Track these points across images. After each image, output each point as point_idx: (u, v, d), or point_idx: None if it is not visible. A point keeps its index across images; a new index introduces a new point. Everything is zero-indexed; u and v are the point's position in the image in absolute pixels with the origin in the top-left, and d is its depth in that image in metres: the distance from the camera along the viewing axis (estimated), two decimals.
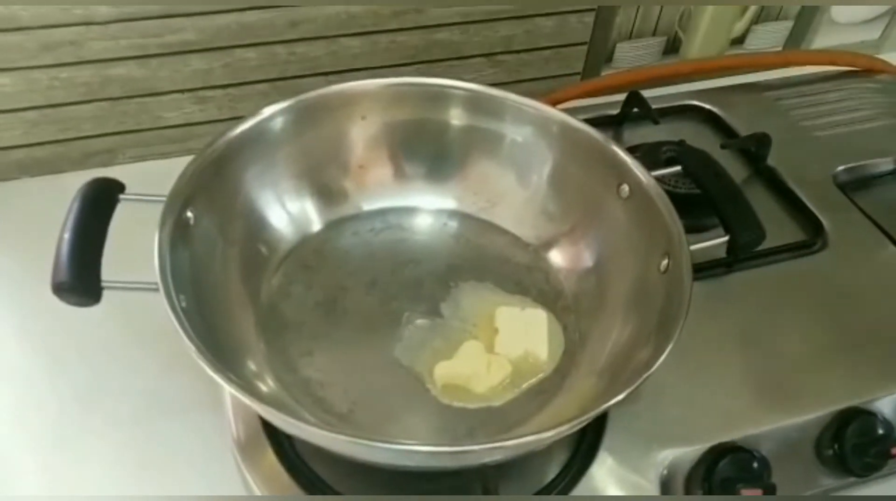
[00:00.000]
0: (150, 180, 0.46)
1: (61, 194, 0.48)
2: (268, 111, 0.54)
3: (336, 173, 0.60)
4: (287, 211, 0.58)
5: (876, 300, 0.60)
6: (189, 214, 0.48)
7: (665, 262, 0.49)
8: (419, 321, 0.54)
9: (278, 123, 0.55)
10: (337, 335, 0.54)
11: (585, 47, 0.81)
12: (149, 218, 0.45)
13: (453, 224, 0.61)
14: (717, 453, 0.49)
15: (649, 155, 0.66)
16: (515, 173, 0.60)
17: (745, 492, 0.47)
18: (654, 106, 0.73)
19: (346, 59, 0.73)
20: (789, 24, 0.88)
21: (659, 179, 0.52)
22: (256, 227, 0.56)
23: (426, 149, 0.60)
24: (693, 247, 0.48)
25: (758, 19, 0.86)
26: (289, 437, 0.48)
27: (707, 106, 0.78)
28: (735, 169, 0.69)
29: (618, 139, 0.68)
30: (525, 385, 0.51)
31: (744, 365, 0.54)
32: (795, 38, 0.90)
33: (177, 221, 0.47)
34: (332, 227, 0.60)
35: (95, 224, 0.45)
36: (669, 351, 0.42)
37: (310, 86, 0.56)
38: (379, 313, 0.55)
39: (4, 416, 0.54)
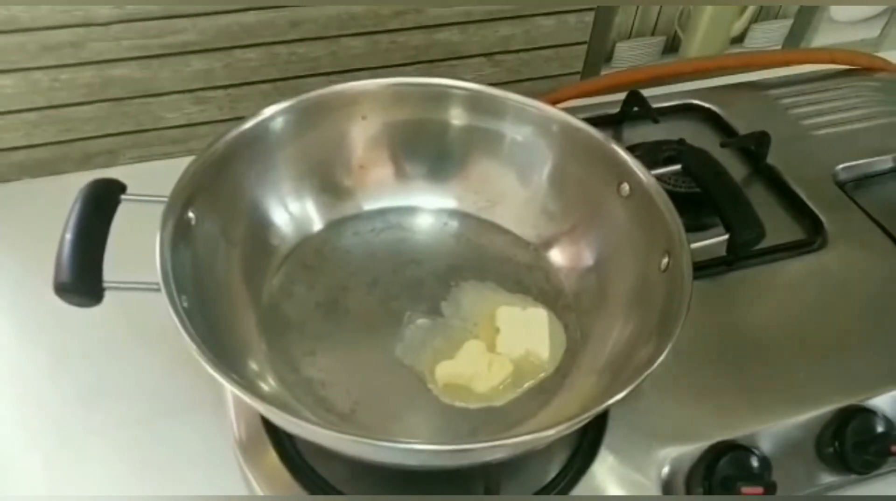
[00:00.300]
0: (151, 181, 0.46)
1: (62, 195, 0.48)
2: (268, 111, 0.54)
3: (337, 173, 0.60)
4: (288, 211, 0.58)
5: (876, 298, 0.60)
6: (190, 214, 0.48)
7: (665, 260, 0.49)
8: (420, 321, 0.54)
9: (279, 123, 0.55)
10: (338, 334, 0.54)
11: (585, 47, 0.81)
12: (150, 219, 0.45)
13: (454, 224, 0.61)
14: (718, 451, 0.49)
15: (649, 154, 0.66)
16: (516, 173, 0.60)
17: (746, 490, 0.47)
18: (653, 105, 0.73)
19: (347, 59, 0.73)
20: (788, 22, 0.88)
21: (659, 178, 0.52)
22: (257, 227, 0.56)
23: (427, 149, 0.60)
24: (693, 245, 0.48)
25: (757, 18, 0.86)
26: (290, 437, 0.48)
27: (707, 105, 0.78)
28: (735, 168, 0.70)
29: (618, 138, 0.69)
30: (526, 385, 0.51)
31: (744, 363, 0.54)
32: (795, 36, 0.90)
33: (178, 221, 0.47)
34: (332, 227, 0.60)
35: (97, 225, 0.45)
36: (670, 349, 0.42)
37: (310, 86, 0.56)
38: (380, 312, 0.55)
39: (6, 416, 0.54)
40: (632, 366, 0.46)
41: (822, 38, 0.90)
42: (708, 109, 0.78)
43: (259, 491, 0.47)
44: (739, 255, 0.59)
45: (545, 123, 0.58)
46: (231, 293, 0.52)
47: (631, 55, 0.84)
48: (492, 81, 0.80)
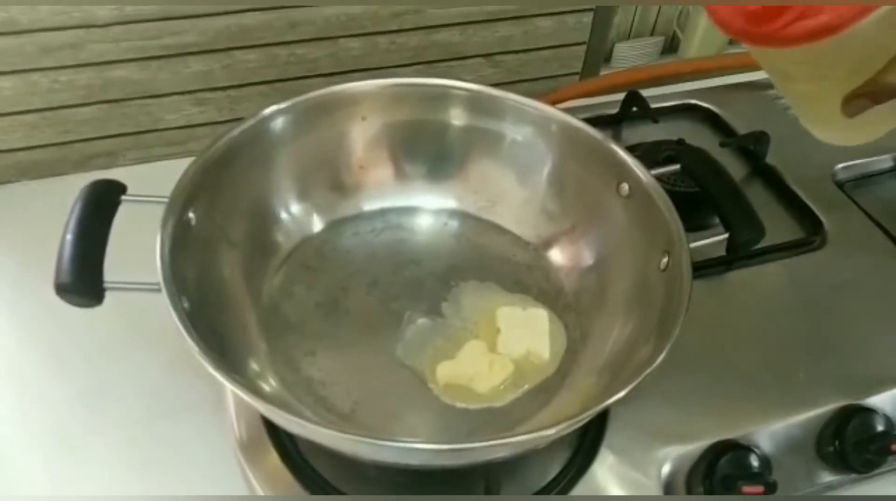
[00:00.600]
0: (150, 182, 0.46)
1: (62, 196, 0.48)
2: (268, 112, 0.55)
3: (337, 174, 0.60)
4: (288, 211, 0.58)
5: (875, 297, 0.60)
6: (190, 214, 0.48)
7: (665, 260, 0.49)
8: (420, 321, 0.54)
9: (279, 123, 0.55)
10: (339, 334, 0.54)
11: (584, 47, 0.81)
12: (150, 219, 0.45)
13: (454, 224, 0.61)
14: (718, 450, 0.49)
15: (649, 154, 0.66)
16: (515, 173, 0.60)
17: (747, 490, 0.47)
18: (652, 105, 0.73)
19: (346, 60, 0.74)
20: None
21: (658, 178, 0.52)
22: (258, 227, 0.56)
23: (426, 149, 0.61)
24: (693, 245, 0.48)
25: None
26: (291, 437, 0.48)
27: (706, 105, 0.78)
28: (734, 167, 0.70)
29: (617, 138, 0.68)
30: (527, 385, 0.51)
31: (744, 362, 0.54)
32: None
33: (178, 221, 0.47)
34: (332, 227, 0.60)
35: (97, 225, 0.45)
36: (670, 348, 0.42)
37: (310, 87, 0.56)
38: (380, 312, 0.55)
39: (7, 416, 0.54)
40: (632, 365, 0.46)
41: None
42: (707, 109, 0.78)
43: (260, 491, 0.47)
44: (739, 254, 0.60)
45: (545, 124, 0.58)
46: (231, 294, 0.52)
47: (630, 55, 0.84)
48: (491, 81, 0.80)
